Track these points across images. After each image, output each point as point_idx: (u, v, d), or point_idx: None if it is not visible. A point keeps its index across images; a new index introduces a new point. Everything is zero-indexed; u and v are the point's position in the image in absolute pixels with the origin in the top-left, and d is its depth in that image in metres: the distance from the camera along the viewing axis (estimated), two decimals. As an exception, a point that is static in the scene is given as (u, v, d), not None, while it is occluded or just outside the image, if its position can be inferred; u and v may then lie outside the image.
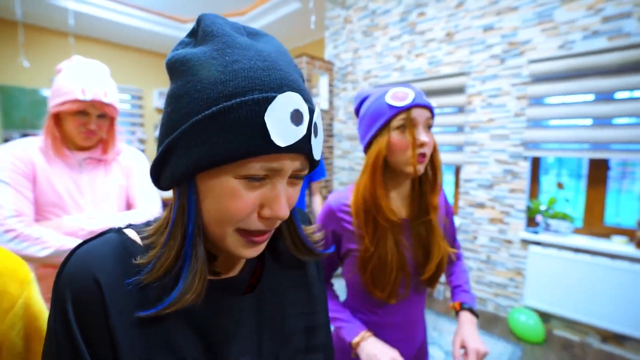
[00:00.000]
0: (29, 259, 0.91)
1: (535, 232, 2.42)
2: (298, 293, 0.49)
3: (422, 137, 0.73)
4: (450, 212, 0.96)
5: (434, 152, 0.81)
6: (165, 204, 0.70)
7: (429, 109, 0.76)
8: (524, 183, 2.46)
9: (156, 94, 5.72)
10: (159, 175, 0.37)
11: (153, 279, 0.35)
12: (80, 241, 0.51)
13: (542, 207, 2.45)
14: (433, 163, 0.81)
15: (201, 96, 0.32)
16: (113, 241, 0.37)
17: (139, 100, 5.65)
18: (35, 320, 0.55)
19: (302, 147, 0.34)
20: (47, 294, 0.79)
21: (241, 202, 0.34)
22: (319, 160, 0.39)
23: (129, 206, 1.17)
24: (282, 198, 0.35)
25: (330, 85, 3.69)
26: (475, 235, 2.73)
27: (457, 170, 2.92)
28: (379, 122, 0.75)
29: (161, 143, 0.36)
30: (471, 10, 2.64)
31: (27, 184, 0.95)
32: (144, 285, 0.35)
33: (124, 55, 5.45)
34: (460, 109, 2.78)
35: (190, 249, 0.35)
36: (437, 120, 2.95)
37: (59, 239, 0.92)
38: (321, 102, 3.66)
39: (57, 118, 0.99)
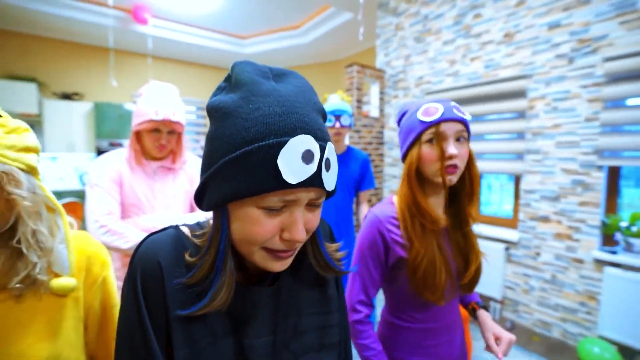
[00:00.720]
0: (114, 249, 1.11)
1: (613, 252, 2.13)
2: (313, 293, 0.53)
3: (450, 149, 0.76)
4: None
5: (470, 163, 0.82)
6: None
7: (460, 121, 0.78)
8: (598, 196, 2.19)
9: (218, 106, 6.23)
10: (201, 200, 0.45)
11: (192, 282, 0.43)
12: None
13: (623, 224, 2.14)
14: (470, 174, 0.82)
15: (229, 140, 0.39)
16: (172, 234, 0.47)
17: (202, 111, 6.20)
18: (109, 293, 0.71)
19: (313, 181, 0.39)
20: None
21: (262, 228, 0.40)
22: (334, 190, 0.44)
23: (192, 208, 1.34)
24: (300, 224, 0.40)
25: (381, 92, 3.68)
26: (537, 251, 2.49)
27: (517, 180, 2.70)
28: (411, 136, 0.81)
29: (202, 176, 0.44)
30: (534, 8, 2.45)
31: (116, 188, 1.17)
32: (186, 283, 0.43)
33: (191, 71, 6.04)
34: (521, 115, 2.58)
35: (221, 264, 0.42)
36: (494, 126, 2.77)
37: (137, 234, 1.12)
38: (372, 110, 3.66)
39: (138, 135, 1.20)
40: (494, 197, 3.60)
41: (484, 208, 3.40)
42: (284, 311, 0.49)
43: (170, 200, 1.24)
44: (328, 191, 0.43)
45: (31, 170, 0.59)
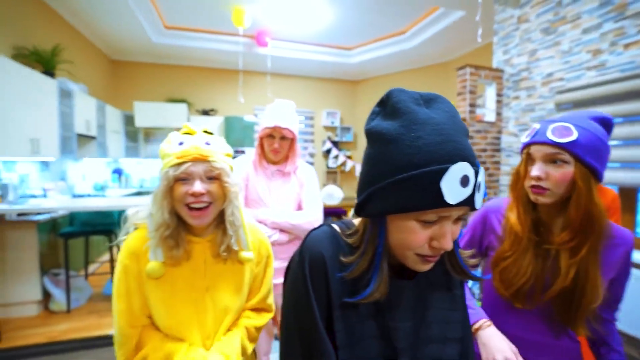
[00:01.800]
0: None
1: None
2: (442, 291, 0.59)
3: (533, 171, 0.78)
4: (622, 274, 0.82)
5: (578, 193, 0.73)
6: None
7: (551, 144, 0.74)
8: None
9: (324, 114, 6.61)
10: (362, 209, 0.52)
11: (351, 277, 0.52)
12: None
13: None
14: (578, 201, 0.73)
15: (394, 164, 0.45)
16: (328, 232, 0.56)
17: (310, 120, 6.68)
18: (269, 269, 0.97)
19: (467, 202, 0.44)
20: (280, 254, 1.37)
21: (417, 237, 0.47)
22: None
23: (299, 207, 1.52)
24: (449, 235, 0.47)
25: (499, 95, 3.32)
26: None
27: (699, 198, 2.06)
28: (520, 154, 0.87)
29: (362, 190, 0.51)
30: None
31: (243, 185, 1.43)
32: (346, 277, 0.52)
33: (302, 84, 6.58)
34: None
35: (379, 264, 0.51)
36: (661, 128, 2.19)
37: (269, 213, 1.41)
38: (487, 114, 3.34)
39: (261, 141, 1.43)
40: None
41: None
42: (420, 302, 0.56)
43: (283, 199, 1.44)
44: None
45: (230, 169, 0.84)
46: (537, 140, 0.77)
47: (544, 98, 2.96)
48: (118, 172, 5.36)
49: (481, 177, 0.45)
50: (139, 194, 5.16)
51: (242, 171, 1.42)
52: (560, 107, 2.81)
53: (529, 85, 3.09)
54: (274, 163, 1.45)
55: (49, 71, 3.38)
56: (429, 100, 0.49)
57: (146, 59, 5.61)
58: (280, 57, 5.56)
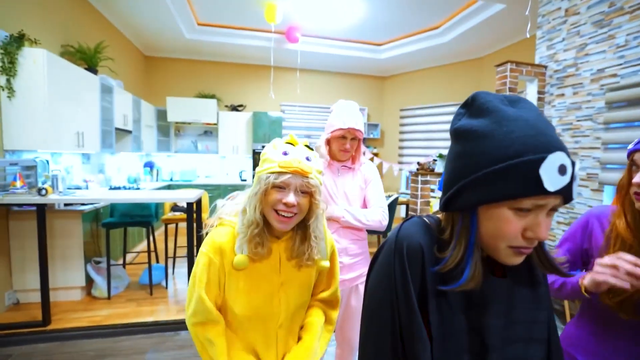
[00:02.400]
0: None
1: None
2: (527, 289, 0.58)
3: (636, 178, 0.79)
4: None
5: None
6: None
7: None
8: None
9: (350, 111, 6.56)
10: (450, 203, 0.53)
11: (445, 270, 0.52)
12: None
13: None
14: None
15: (489, 156, 0.46)
16: (421, 223, 0.58)
17: (336, 117, 6.64)
18: (335, 264, 1.02)
19: (565, 190, 0.45)
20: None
21: (512, 226, 0.47)
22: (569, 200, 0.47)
23: (364, 202, 1.52)
24: (543, 225, 0.46)
25: (540, 92, 3.17)
26: None
27: None
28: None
29: (452, 184, 0.52)
30: None
31: None
32: (440, 270, 0.53)
33: (330, 79, 6.54)
34: None
35: (472, 255, 0.51)
36: None
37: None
38: (526, 111, 3.19)
39: (328, 141, 1.47)
40: None
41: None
42: (509, 301, 0.55)
43: (349, 194, 1.48)
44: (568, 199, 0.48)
45: (320, 184, 0.87)
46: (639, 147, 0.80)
47: (592, 96, 2.79)
48: (150, 165, 5.54)
49: (577, 170, 0.46)
50: (169, 187, 5.33)
51: None
52: (612, 105, 2.64)
53: (575, 82, 2.92)
54: (340, 161, 1.49)
55: (92, 68, 3.52)
56: (514, 101, 0.50)
57: (178, 54, 5.74)
58: (309, 53, 5.55)
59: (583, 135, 2.85)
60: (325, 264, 0.94)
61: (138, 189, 4.18)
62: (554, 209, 0.48)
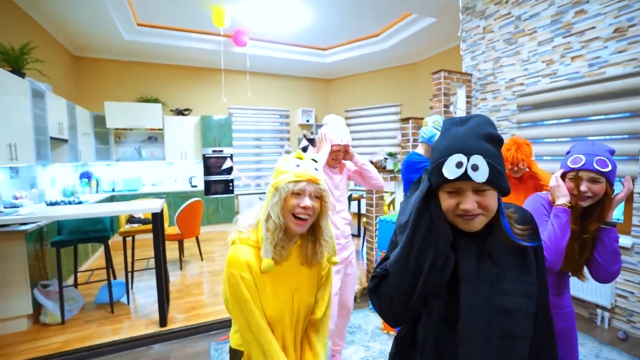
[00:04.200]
0: None
1: None
2: (514, 258, 0.74)
3: (583, 187, 1.18)
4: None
5: (608, 196, 1.18)
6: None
7: (595, 172, 1.15)
8: None
9: (300, 112, 6.74)
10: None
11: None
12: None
13: None
14: (602, 202, 1.18)
15: (433, 158, 0.71)
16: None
17: (286, 119, 6.77)
18: (330, 277, 1.14)
19: (465, 177, 0.66)
20: None
21: (448, 203, 0.69)
22: (490, 181, 0.67)
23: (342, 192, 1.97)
24: (466, 200, 0.67)
25: (468, 96, 3.71)
26: (657, 259, 2.34)
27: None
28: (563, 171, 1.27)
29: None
30: (652, 2, 2.32)
31: None
32: None
33: (276, 82, 6.63)
34: (636, 114, 2.45)
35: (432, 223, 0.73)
36: (601, 127, 2.65)
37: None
38: (458, 113, 3.72)
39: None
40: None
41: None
42: (487, 267, 0.73)
43: (338, 188, 1.90)
44: (500, 188, 0.70)
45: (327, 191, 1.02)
46: (586, 167, 1.16)
47: (507, 100, 3.38)
48: (87, 175, 5.08)
49: (475, 161, 0.66)
50: (112, 198, 4.95)
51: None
52: (521, 108, 3.24)
53: (494, 88, 3.50)
54: (331, 166, 1.90)
55: (18, 70, 3.16)
56: (465, 120, 0.71)
57: (115, 56, 5.33)
58: (257, 56, 5.59)
59: (503, 133, 3.43)
60: (335, 259, 1.07)
61: (80, 202, 3.85)
62: (478, 190, 0.68)
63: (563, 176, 1.23)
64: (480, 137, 0.69)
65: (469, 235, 0.75)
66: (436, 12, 4.13)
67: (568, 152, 1.27)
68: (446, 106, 3.55)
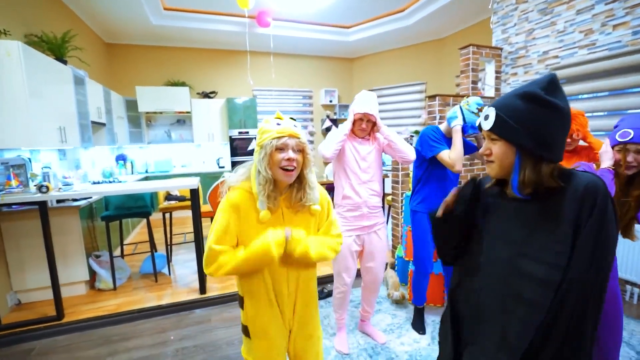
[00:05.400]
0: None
1: None
2: (548, 225, 0.75)
3: (629, 158, 1.31)
4: None
5: None
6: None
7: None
8: None
9: (322, 93, 6.74)
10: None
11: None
12: None
13: None
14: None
15: None
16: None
17: (309, 99, 6.79)
18: (331, 210, 1.27)
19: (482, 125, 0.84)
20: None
21: (483, 147, 0.95)
22: (493, 129, 0.80)
23: (379, 160, 2.02)
24: (484, 145, 0.95)
25: (497, 72, 3.60)
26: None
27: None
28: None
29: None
30: None
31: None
32: None
33: (299, 63, 6.62)
34: (681, 85, 2.32)
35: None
36: (643, 100, 2.54)
37: None
38: (487, 89, 3.63)
39: (353, 122, 1.92)
40: None
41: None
42: (518, 224, 0.82)
43: (367, 159, 1.94)
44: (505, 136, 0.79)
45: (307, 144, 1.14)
46: (634, 140, 1.28)
47: (539, 74, 3.26)
48: (122, 158, 5.38)
49: (489, 112, 0.81)
50: (146, 178, 5.24)
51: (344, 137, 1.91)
52: (555, 82, 3.12)
53: (525, 62, 3.38)
54: (359, 137, 1.97)
55: (61, 58, 3.36)
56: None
57: (143, 41, 5.50)
58: (279, 37, 5.59)
59: (533, 109, 3.33)
60: (316, 207, 1.17)
61: (120, 182, 4.13)
62: (492, 139, 0.81)
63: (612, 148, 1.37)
64: (515, 94, 0.78)
65: (508, 198, 0.82)
66: (465, -17, 3.96)
67: (616, 126, 1.37)
68: (474, 82, 3.47)
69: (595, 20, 2.78)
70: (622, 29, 2.62)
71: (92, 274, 2.95)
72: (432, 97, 3.38)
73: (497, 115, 0.76)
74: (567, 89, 3.01)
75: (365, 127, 1.89)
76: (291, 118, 1.15)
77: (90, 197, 3.02)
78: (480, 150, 0.81)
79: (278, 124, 1.08)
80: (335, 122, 6.84)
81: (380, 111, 6.68)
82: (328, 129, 6.74)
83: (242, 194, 1.10)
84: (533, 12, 3.27)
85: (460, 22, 5.15)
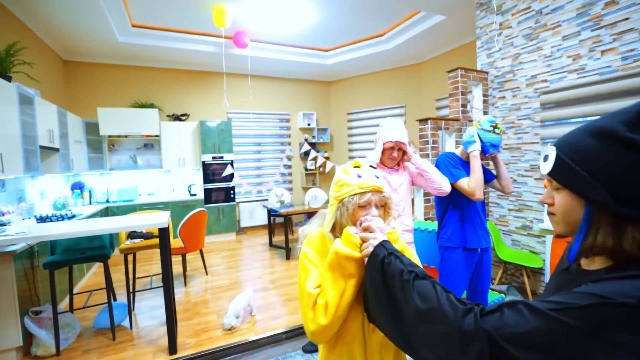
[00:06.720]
0: None
1: None
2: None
3: None
4: None
5: None
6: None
7: None
8: None
9: (300, 116, 6.53)
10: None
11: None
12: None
13: None
14: None
15: None
16: None
17: (287, 123, 6.55)
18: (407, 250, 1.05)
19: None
20: None
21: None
22: (552, 175, 0.62)
23: (407, 193, 1.93)
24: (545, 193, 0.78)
25: (485, 95, 3.55)
26: None
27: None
28: None
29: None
30: (693, -10, 2.18)
31: None
32: None
33: (276, 85, 6.42)
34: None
35: None
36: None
37: None
38: (474, 112, 3.55)
39: (383, 151, 1.82)
40: None
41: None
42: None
43: (399, 188, 1.87)
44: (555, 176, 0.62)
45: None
46: None
47: (529, 98, 3.22)
48: (79, 186, 4.77)
49: (549, 152, 0.62)
50: (106, 210, 4.65)
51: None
52: (545, 106, 3.08)
53: (513, 86, 3.34)
54: (388, 166, 1.90)
55: (3, 74, 2.89)
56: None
57: (108, 59, 5.06)
58: (257, 58, 5.38)
59: (524, 132, 3.27)
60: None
61: (73, 216, 3.56)
62: (556, 188, 0.62)
63: None
64: (586, 130, 0.57)
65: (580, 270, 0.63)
66: (445, 10, 3.98)
67: None
68: (464, 105, 3.38)
69: (583, 45, 2.79)
70: (611, 54, 2.62)
71: (28, 336, 2.37)
72: (423, 121, 3.24)
73: (557, 157, 0.59)
74: (557, 112, 2.97)
75: (397, 155, 1.83)
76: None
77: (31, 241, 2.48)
78: (541, 198, 0.64)
79: (359, 176, 0.95)
80: (314, 145, 6.62)
81: (358, 134, 6.64)
82: (306, 153, 6.49)
83: (320, 235, 1.00)
84: (518, 37, 3.27)
85: (438, 47, 5.21)
